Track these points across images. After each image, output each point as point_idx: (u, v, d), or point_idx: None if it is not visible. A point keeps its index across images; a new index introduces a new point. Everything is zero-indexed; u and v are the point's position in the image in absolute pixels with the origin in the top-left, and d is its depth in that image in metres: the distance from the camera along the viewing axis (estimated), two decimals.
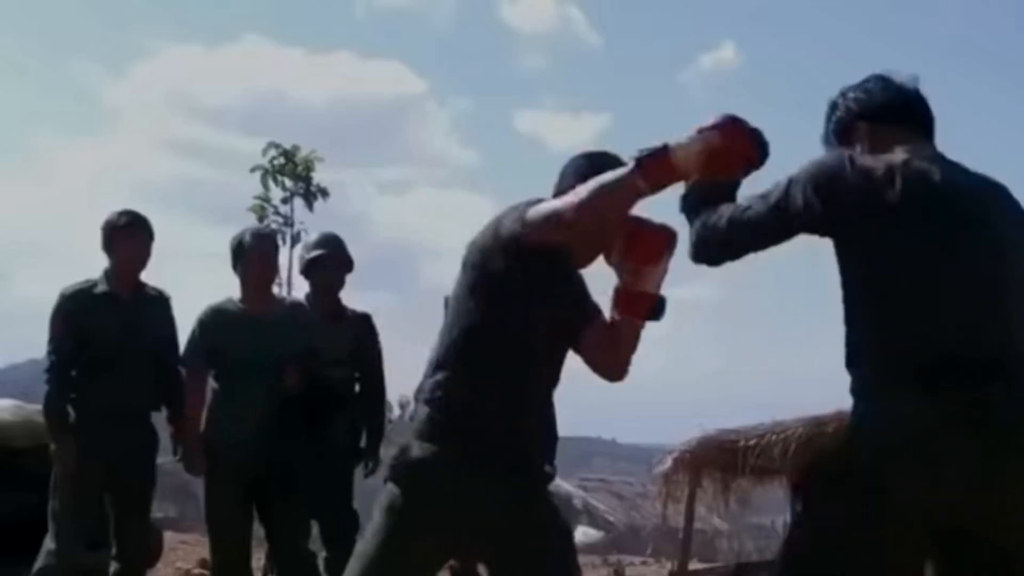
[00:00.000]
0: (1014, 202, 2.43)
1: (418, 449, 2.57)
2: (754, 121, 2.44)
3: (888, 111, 2.49)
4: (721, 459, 9.30)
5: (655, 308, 2.60)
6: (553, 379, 2.74)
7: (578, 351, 2.71)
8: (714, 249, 2.46)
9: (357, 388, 5.20)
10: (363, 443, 5.18)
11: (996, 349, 2.20)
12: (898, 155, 2.33)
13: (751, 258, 2.59)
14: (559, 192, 2.64)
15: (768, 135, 2.46)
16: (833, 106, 2.59)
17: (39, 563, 4.59)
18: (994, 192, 2.40)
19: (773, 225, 2.36)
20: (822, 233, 2.34)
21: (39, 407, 4.81)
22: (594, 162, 2.63)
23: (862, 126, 2.50)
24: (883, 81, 2.54)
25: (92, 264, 4.75)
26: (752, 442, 9.39)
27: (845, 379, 2.33)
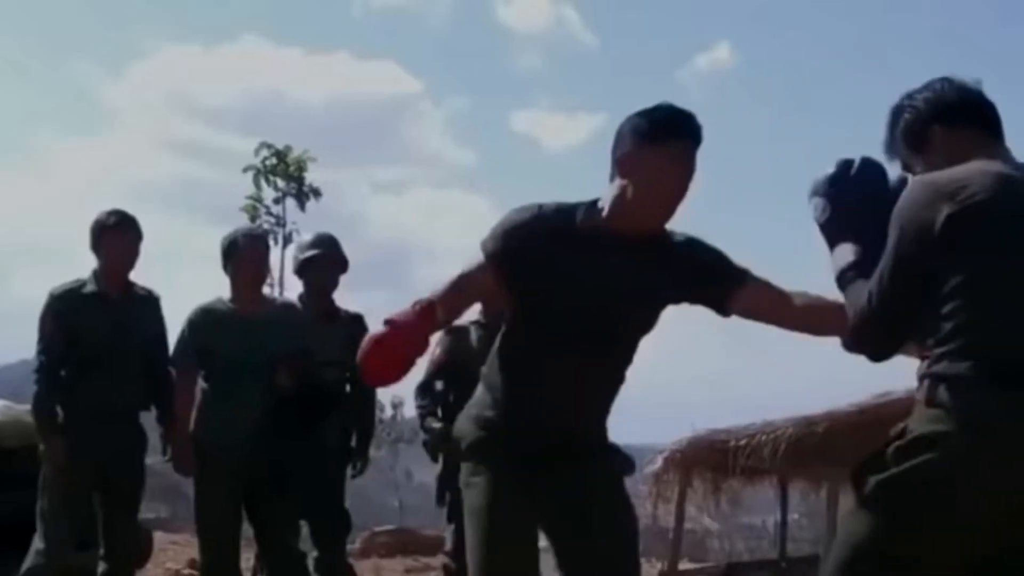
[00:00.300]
0: None
1: (471, 435, 2.85)
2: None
3: (963, 112, 2.34)
4: (711, 459, 9.33)
5: None
6: (607, 374, 2.80)
7: (753, 316, 2.73)
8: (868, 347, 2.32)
9: (348, 388, 5.20)
10: (353, 443, 5.18)
11: None
12: (982, 164, 2.20)
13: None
14: (614, 157, 2.67)
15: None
16: (898, 111, 2.42)
17: (27, 563, 4.59)
18: None
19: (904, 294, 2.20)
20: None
21: (28, 407, 4.81)
22: (658, 118, 2.63)
23: (937, 130, 2.34)
24: (950, 82, 2.39)
25: (90, 265, 4.74)
26: (742, 442, 9.40)
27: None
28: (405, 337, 2.56)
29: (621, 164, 2.64)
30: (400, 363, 2.59)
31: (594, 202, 2.72)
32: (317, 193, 7.40)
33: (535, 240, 2.68)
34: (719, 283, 2.71)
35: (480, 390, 2.91)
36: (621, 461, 2.92)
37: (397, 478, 25.48)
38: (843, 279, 2.35)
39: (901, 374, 2.82)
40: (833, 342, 2.49)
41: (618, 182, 2.65)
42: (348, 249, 5.20)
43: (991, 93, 2.38)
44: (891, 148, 2.44)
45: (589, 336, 2.68)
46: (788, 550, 11.79)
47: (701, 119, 2.63)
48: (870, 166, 2.46)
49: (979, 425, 2.03)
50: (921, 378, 2.15)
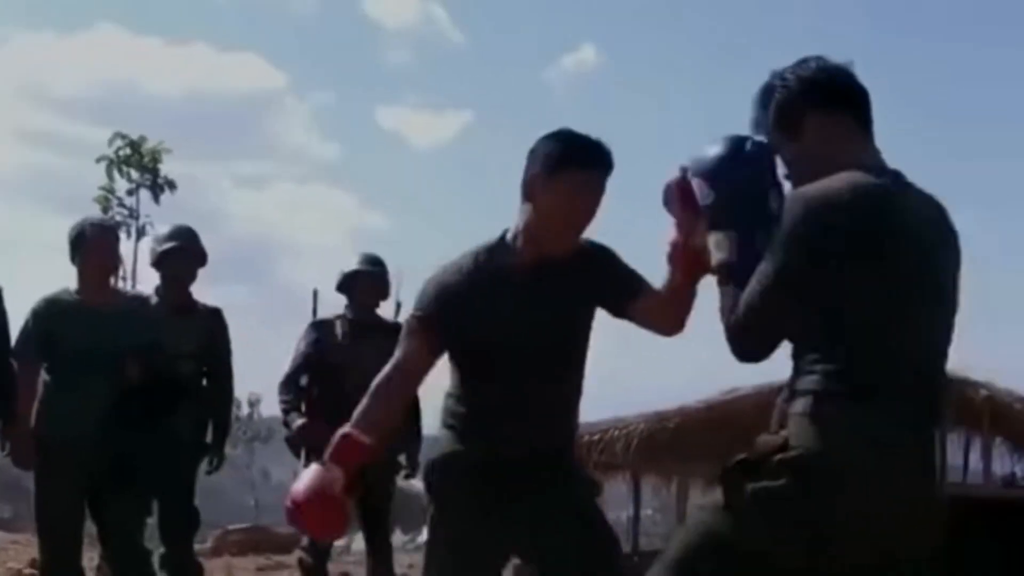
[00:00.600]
0: (950, 223, 2.25)
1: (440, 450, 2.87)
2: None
3: (837, 96, 2.22)
4: None
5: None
6: (564, 392, 2.85)
7: (638, 322, 2.78)
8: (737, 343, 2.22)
9: (205, 383, 5.12)
10: (209, 439, 5.11)
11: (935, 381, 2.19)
12: (859, 177, 2.12)
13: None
14: (526, 177, 2.69)
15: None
16: (768, 90, 2.27)
17: None
18: (939, 215, 2.22)
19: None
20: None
21: None
22: (570, 144, 2.66)
23: (811, 115, 2.21)
24: (824, 61, 2.25)
25: None
26: (595, 437, 9.59)
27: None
28: (318, 504, 2.59)
29: (531, 186, 2.69)
30: (335, 517, 2.66)
31: (503, 236, 2.78)
32: (172, 185, 7.27)
33: (461, 296, 2.72)
34: (622, 288, 2.78)
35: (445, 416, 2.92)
36: (590, 483, 3.00)
37: (253, 477, 25.06)
38: (719, 276, 2.27)
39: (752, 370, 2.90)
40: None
41: (527, 206, 2.70)
42: (208, 243, 5.15)
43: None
44: (760, 130, 2.30)
45: (536, 368, 2.73)
46: (641, 544, 12.05)
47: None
48: (761, 149, 2.30)
49: (864, 443, 2.03)
50: (801, 392, 2.11)
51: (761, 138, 2.31)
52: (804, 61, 2.25)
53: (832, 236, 2.05)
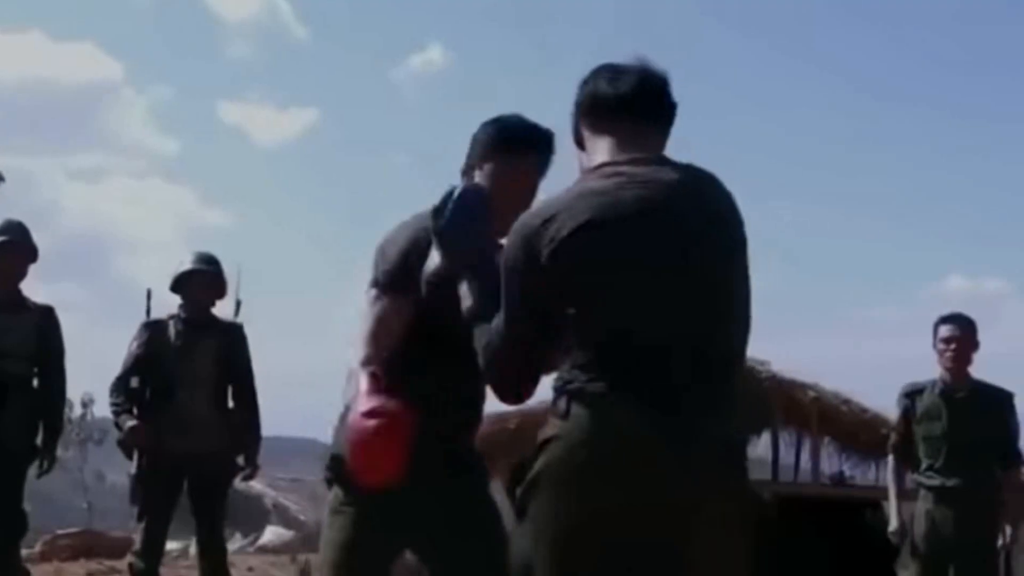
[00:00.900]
0: (716, 207, 2.13)
1: None
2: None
3: (605, 108, 2.18)
4: None
5: None
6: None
7: None
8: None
9: (36, 383, 4.94)
10: (39, 441, 4.92)
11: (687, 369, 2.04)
12: (582, 186, 2.12)
13: None
14: (467, 164, 2.65)
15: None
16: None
17: None
18: (698, 202, 2.11)
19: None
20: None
21: None
22: (503, 129, 2.63)
23: (585, 130, 2.22)
24: (605, 70, 2.22)
25: None
26: None
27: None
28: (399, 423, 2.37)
29: (470, 172, 2.66)
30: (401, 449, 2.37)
31: None
32: (0, 178, 6.97)
33: (418, 260, 2.56)
34: None
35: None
36: (484, 470, 2.90)
37: (86, 479, 24.26)
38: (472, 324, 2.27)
39: None
40: None
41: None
42: (40, 239, 5.00)
43: (680, 89, 2.25)
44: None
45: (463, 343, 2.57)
46: None
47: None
48: (467, 194, 2.37)
49: (597, 441, 1.98)
50: (553, 391, 2.09)
51: (470, 185, 2.47)
52: (591, 72, 2.25)
53: (533, 248, 2.05)
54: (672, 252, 2.05)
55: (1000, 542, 5.16)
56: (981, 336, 5.11)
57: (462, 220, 2.33)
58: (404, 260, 2.60)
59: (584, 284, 2.04)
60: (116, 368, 5.06)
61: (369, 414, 2.35)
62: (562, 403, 2.04)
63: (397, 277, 2.61)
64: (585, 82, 2.24)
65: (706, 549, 2.01)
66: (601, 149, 2.18)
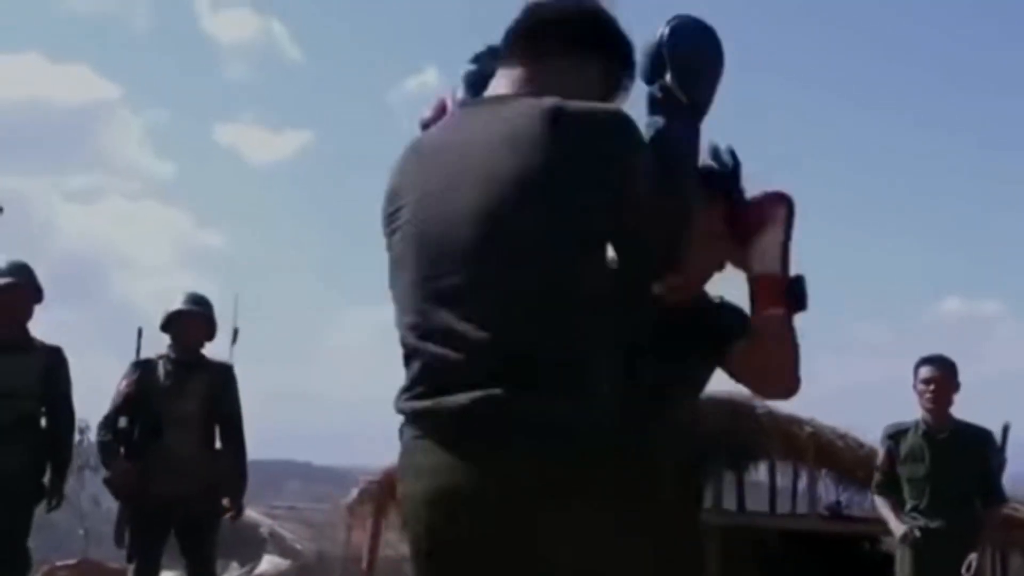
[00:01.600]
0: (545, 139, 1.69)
1: None
2: None
3: (507, 41, 1.91)
4: None
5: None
6: None
7: None
8: None
9: (43, 422, 4.93)
10: (47, 479, 4.92)
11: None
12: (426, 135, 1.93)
13: None
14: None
15: None
16: None
17: None
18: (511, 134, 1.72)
19: None
20: None
21: None
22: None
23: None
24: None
25: None
26: None
27: None
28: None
29: None
30: None
31: None
32: None
33: None
34: None
35: None
36: None
37: (83, 505, 24.20)
38: None
39: None
40: None
41: None
42: (35, 260, 5.00)
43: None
44: None
45: None
46: None
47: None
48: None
49: (404, 440, 1.78)
50: None
51: None
52: None
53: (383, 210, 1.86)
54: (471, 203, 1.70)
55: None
56: (977, 357, 5.30)
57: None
58: None
59: (393, 247, 1.83)
60: (110, 391, 5.07)
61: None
62: None
63: None
64: None
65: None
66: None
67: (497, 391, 1.61)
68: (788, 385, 2.18)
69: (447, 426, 1.67)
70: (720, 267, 2.22)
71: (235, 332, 5.35)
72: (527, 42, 1.87)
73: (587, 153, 1.68)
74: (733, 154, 2.15)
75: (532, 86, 1.81)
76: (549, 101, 1.71)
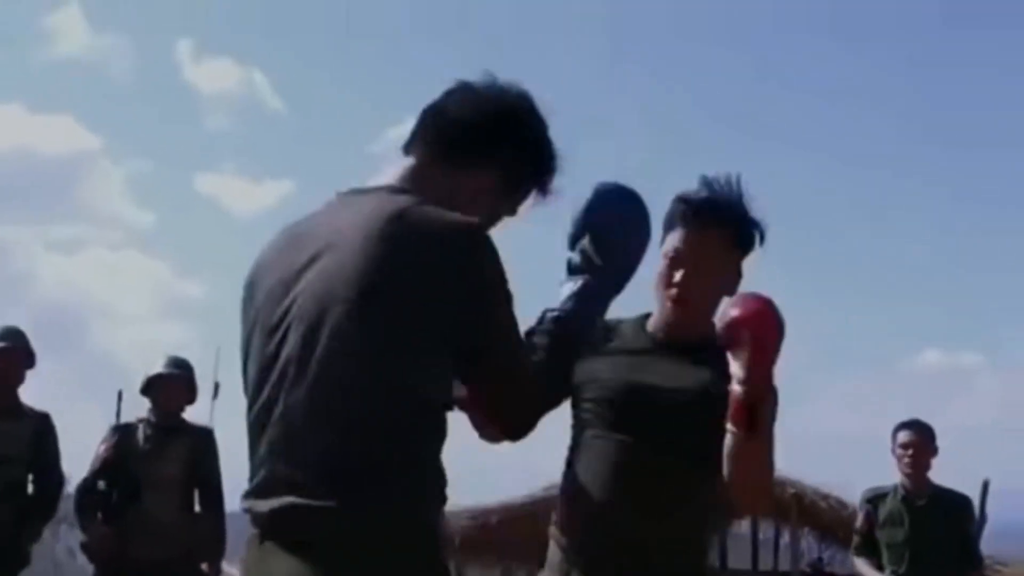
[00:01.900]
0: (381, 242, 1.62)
1: None
2: None
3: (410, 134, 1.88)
4: None
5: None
6: None
7: None
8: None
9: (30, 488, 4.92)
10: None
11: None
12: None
13: None
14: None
15: None
16: None
17: None
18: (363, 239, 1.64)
19: None
20: None
21: None
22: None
23: None
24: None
25: None
26: None
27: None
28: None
29: None
30: None
31: None
32: None
33: None
34: None
35: None
36: None
37: (58, 557, 23.89)
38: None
39: None
40: None
41: None
42: (15, 310, 5.07)
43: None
44: None
45: None
46: None
47: None
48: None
49: None
50: None
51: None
52: None
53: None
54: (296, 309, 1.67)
55: None
56: (957, 408, 5.23)
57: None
58: None
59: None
60: (90, 441, 5.05)
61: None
62: None
63: None
64: None
65: None
66: None
67: (297, 501, 1.60)
68: (754, 503, 2.24)
69: (258, 526, 1.67)
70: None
71: (216, 386, 5.34)
72: (421, 136, 1.82)
73: (416, 260, 1.61)
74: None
75: (410, 183, 1.76)
76: (401, 201, 1.67)
